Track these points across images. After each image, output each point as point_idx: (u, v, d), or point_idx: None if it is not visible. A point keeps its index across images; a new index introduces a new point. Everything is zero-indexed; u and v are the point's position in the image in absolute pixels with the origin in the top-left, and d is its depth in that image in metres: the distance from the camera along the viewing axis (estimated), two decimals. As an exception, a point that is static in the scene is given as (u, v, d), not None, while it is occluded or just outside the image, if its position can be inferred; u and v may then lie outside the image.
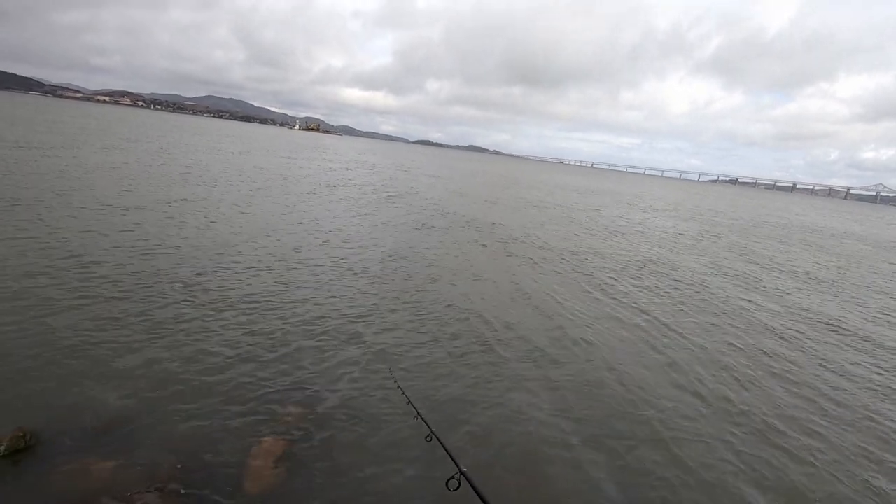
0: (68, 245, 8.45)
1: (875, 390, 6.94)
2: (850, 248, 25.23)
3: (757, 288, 12.58)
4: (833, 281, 15.15)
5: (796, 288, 13.27)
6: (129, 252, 8.60)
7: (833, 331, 9.60)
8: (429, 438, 2.65)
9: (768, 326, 9.28)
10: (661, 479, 4.46)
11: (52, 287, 6.61)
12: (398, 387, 3.96)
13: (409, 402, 3.33)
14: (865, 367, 7.83)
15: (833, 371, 7.47)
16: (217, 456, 3.87)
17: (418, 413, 3.07)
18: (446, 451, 2.38)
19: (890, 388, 7.08)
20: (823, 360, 7.91)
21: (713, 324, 9.03)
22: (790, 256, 19.23)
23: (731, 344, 8.06)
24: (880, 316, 11.31)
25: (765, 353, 7.86)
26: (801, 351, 8.20)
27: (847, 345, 8.84)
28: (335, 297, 7.94)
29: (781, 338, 8.71)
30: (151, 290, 7.01)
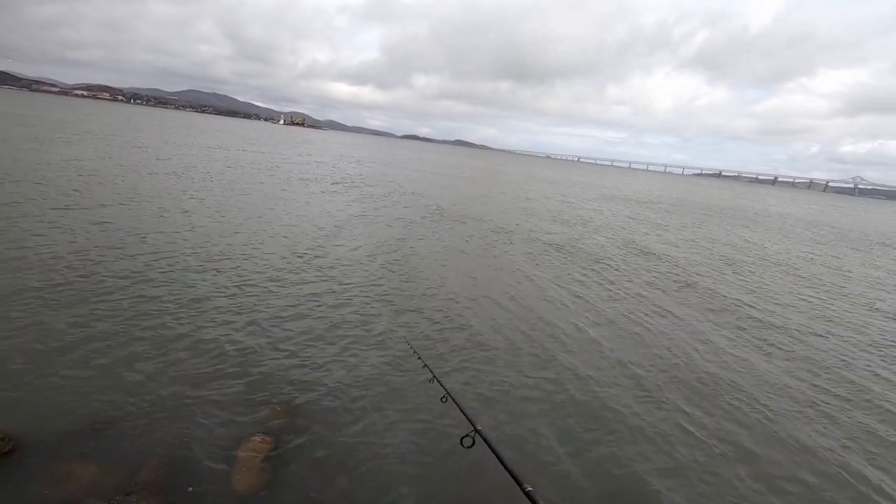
0: (46, 244, 8.24)
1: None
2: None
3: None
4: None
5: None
6: (110, 249, 8.42)
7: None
8: (444, 399, 2.68)
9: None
10: (671, 442, 4.85)
11: (30, 286, 6.45)
12: (414, 351, 4.05)
13: (425, 366, 3.36)
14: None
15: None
16: (203, 453, 3.85)
17: (434, 376, 3.10)
18: (461, 409, 2.40)
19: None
20: None
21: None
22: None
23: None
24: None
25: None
26: None
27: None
28: (336, 285, 7.97)
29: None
30: (133, 288, 6.91)
